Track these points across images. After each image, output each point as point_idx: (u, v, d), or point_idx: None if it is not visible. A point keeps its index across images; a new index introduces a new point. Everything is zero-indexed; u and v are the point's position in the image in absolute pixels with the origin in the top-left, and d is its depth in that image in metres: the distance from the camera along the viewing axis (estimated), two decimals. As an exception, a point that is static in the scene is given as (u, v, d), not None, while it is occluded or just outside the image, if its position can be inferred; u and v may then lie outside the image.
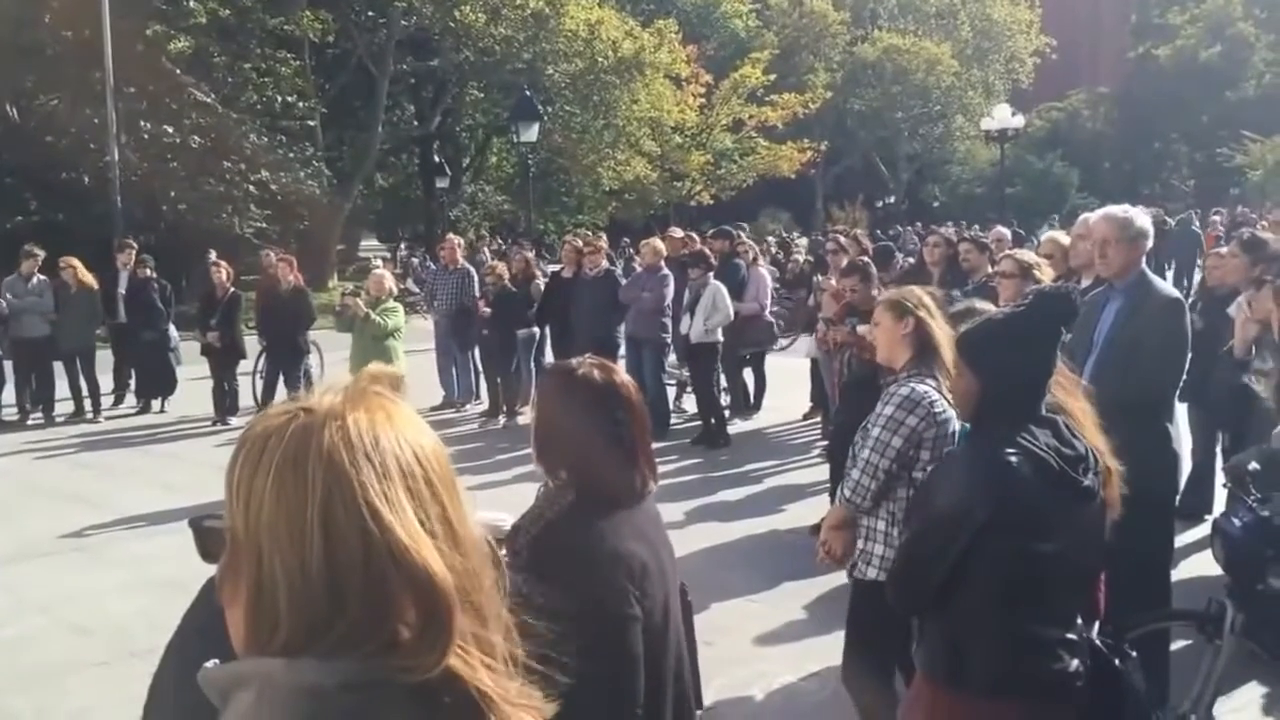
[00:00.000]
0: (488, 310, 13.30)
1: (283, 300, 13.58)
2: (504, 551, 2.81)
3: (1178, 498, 6.30)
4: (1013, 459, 3.08)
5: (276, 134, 29.14)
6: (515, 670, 1.22)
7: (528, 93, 24.84)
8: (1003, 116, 34.15)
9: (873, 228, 35.12)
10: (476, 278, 14.05)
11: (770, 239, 28.80)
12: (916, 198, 52.31)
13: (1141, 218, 5.49)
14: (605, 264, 13.15)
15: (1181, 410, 8.01)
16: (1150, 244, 5.51)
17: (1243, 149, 48.13)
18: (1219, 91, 54.29)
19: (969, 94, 49.75)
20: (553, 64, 32.75)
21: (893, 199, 50.78)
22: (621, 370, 2.95)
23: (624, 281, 12.93)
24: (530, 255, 14.68)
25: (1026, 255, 6.76)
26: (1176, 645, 5.44)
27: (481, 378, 14.20)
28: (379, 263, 18.35)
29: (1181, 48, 56.66)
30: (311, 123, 31.34)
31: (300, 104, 30.44)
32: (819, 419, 12.35)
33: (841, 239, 12.87)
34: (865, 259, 9.43)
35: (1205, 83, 54.04)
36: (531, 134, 23.13)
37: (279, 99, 29.67)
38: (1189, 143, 55.58)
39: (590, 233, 23.55)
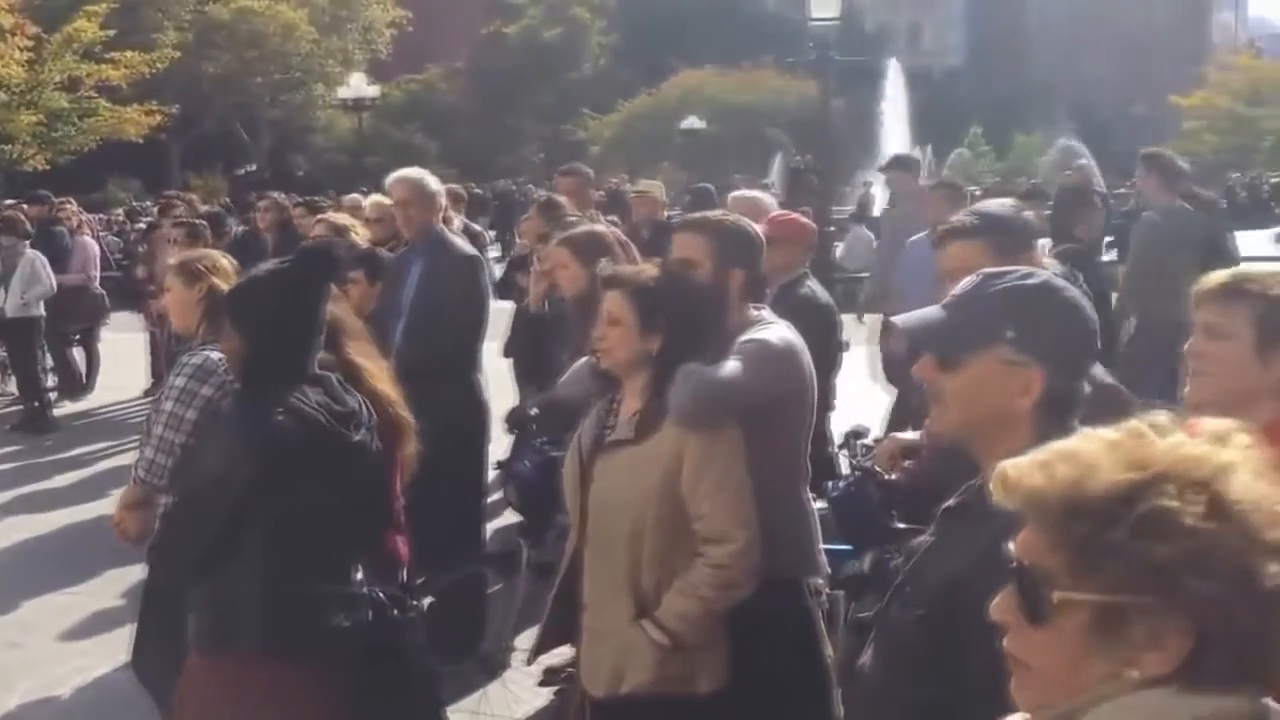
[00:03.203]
0: None
1: None
2: None
3: (491, 448, 6.65)
4: (280, 419, 3.03)
5: None
6: None
7: None
8: (358, 86, 34.44)
9: (234, 196, 33.96)
10: None
11: (121, 209, 27.00)
12: (280, 166, 51.36)
13: (434, 181, 5.72)
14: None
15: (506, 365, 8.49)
16: (443, 204, 5.75)
17: (583, 125, 52.31)
18: (561, 71, 58.39)
19: (328, 62, 49.54)
20: None
21: (254, 166, 49.51)
22: None
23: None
24: None
25: (341, 218, 6.78)
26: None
27: None
28: None
29: (527, 27, 60.17)
30: None
31: None
32: (161, 395, 11.71)
33: (179, 206, 12.30)
34: (198, 221, 9.08)
35: (549, 61, 57.81)
36: None
37: None
38: (537, 118, 59.24)
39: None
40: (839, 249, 18.22)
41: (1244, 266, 2.44)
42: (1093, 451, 1.32)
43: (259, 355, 3.18)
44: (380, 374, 3.78)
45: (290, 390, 3.10)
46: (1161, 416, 1.38)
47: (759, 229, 5.03)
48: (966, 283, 2.11)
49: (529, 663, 3.47)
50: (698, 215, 3.98)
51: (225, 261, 4.61)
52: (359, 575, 3.33)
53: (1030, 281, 2.06)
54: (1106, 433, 1.36)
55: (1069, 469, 1.31)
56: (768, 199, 5.99)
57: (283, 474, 3.03)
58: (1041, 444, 1.44)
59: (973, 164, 46.74)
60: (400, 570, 4.32)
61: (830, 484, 3.97)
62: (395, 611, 3.35)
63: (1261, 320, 2.34)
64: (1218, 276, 2.44)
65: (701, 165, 35.28)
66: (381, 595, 3.37)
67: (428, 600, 5.61)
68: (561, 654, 4.08)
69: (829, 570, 3.69)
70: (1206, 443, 1.30)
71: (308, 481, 3.07)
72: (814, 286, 5.06)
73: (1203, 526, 1.24)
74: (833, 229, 16.38)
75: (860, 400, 7.67)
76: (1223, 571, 1.23)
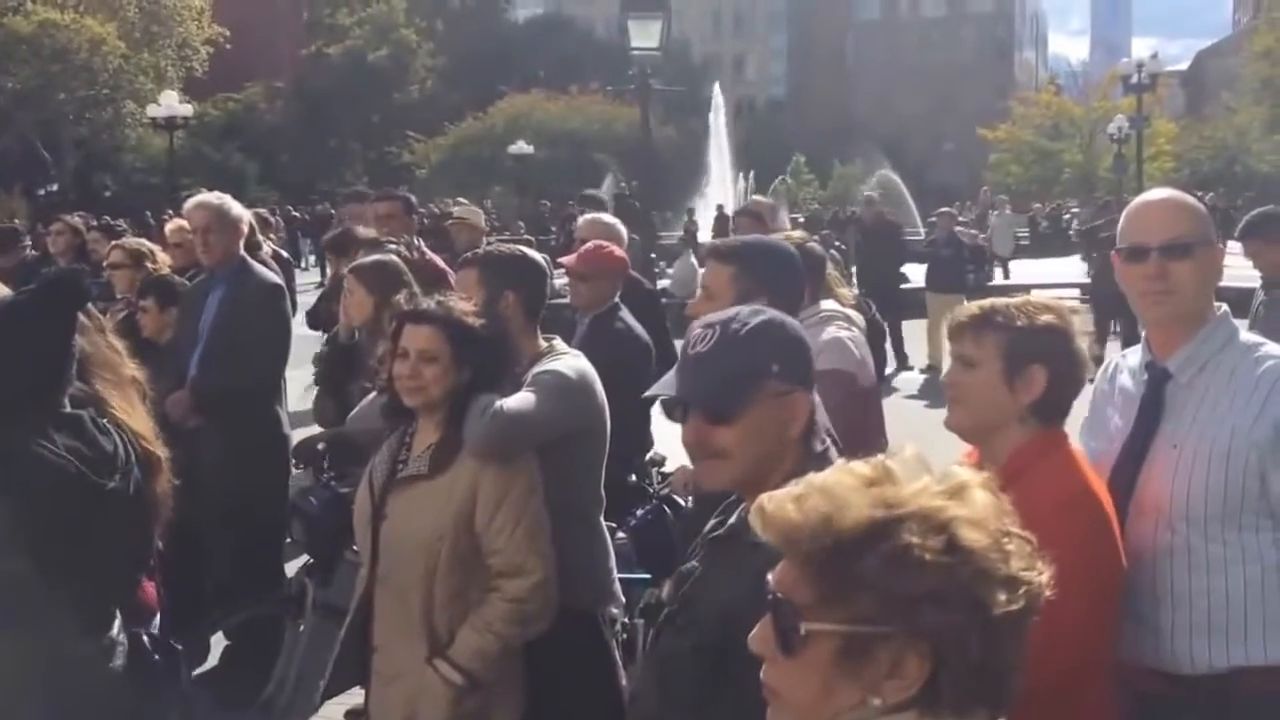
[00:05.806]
0: None
1: None
2: None
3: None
4: (22, 469, 2.73)
5: None
6: None
7: None
8: (171, 104, 33.24)
9: (34, 218, 32.41)
10: None
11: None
12: (87, 186, 49.28)
13: (236, 206, 5.55)
14: None
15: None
16: (245, 230, 5.60)
17: (409, 148, 51.73)
18: (387, 92, 57.59)
19: (140, 79, 47.83)
20: None
21: (57, 186, 47.40)
22: None
23: None
24: None
25: (137, 243, 6.51)
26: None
27: None
28: None
29: (351, 48, 59.22)
30: None
31: None
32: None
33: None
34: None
35: (374, 83, 56.95)
36: None
37: None
38: (362, 140, 58.31)
39: None
40: (668, 273, 18.40)
41: (992, 300, 2.53)
42: (846, 488, 1.38)
43: None
44: (128, 408, 3.47)
45: (34, 436, 2.79)
46: (910, 452, 1.44)
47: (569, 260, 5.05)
48: (705, 337, 2.10)
49: (318, 706, 3.33)
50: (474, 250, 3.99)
51: (-1, 289, 4.35)
52: (116, 627, 3.09)
53: (764, 317, 2.12)
54: (860, 469, 1.41)
55: (822, 504, 1.36)
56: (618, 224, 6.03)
57: (25, 530, 2.80)
58: (805, 467, 1.48)
59: (795, 191, 47.89)
60: (151, 618, 4.07)
61: (632, 513, 3.97)
62: (157, 656, 3.16)
63: (1007, 350, 2.44)
64: (968, 309, 2.54)
65: (532, 190, 35.30)
66: (143, 642, 3.14)
67: (225, 645, 5.42)
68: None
69: (624, 600, 3.68)
70: (948, 491, 1.38)
71: (55, 536, 2.79)
72: (627, 318, 5.02)
73: (941, 561, 1.31)
74: (655, 255, 16.54)
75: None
76: (958, 602, 1.30)
